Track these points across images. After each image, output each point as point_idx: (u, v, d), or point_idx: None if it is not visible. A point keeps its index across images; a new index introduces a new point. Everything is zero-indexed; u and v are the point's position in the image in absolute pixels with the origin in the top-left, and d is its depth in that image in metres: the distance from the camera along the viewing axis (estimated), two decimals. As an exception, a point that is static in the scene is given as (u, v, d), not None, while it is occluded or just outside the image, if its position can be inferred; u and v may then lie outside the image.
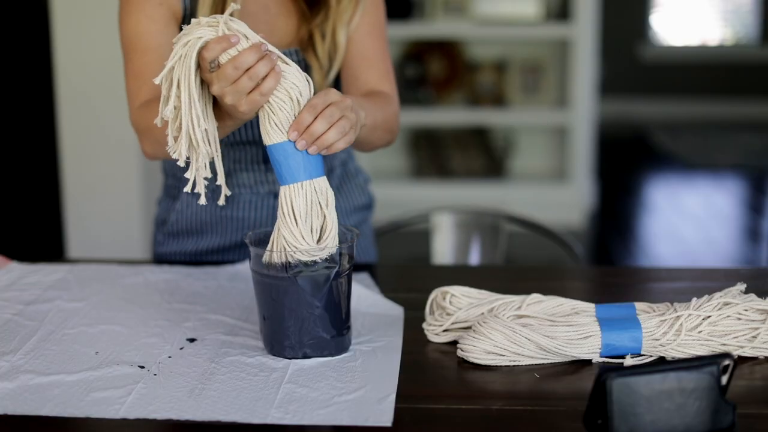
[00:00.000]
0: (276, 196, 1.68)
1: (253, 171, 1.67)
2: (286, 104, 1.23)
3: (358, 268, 1.57)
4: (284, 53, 1.60)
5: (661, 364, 1.02)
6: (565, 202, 4.97)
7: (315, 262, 1.23)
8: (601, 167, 5.82)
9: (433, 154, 5.14)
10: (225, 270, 1.59)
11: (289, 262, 1.22)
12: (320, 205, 1.25)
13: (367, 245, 1.83)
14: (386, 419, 1.09)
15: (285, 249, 1.23)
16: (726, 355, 1.04)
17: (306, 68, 1.62)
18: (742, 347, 1.24)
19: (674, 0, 7.94)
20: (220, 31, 1.20)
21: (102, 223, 3.17)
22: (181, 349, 1.29)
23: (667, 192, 5.86)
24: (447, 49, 5.14)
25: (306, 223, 1.23)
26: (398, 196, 4.74)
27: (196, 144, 1.23)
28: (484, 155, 5.12)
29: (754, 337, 1.25)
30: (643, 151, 6.85)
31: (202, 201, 1.27)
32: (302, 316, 1.24)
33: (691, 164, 6.31)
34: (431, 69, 5.13)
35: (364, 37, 1.62)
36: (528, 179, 5.11)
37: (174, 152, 1.25)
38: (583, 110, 4.93)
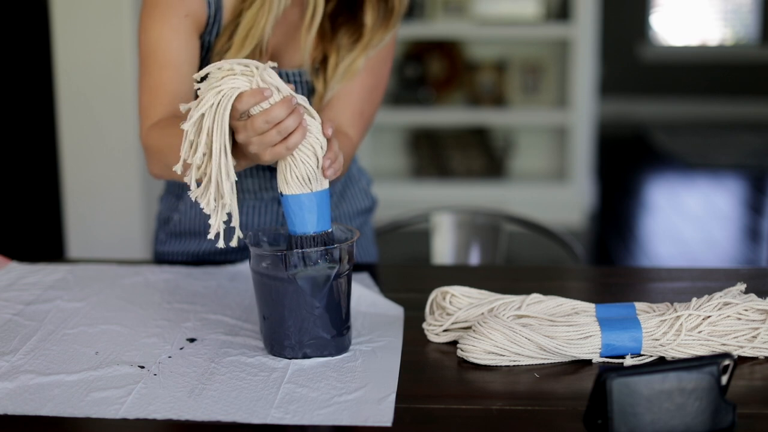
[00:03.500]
0: (280, 202, 1.68)
1: (258, 177, 1.66)
2: (309, 158, 1.23)
3: (358, 268, 1.57)
4: (291, 74, 1.59)
5: (661, 364, 1.02)
6: (565, 202, 4.97)
7: (315, 262, 1.23)
8: (601, 167, 5.82)
9: (433, 154, 5.14)
10: (225, 270, 1.60)
11: (290, 261, 1.22)
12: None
13: (367, 245, 1.83)
14: (386, 419, 1.09)
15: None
16: (726, 355, 1.04)
17: (311, 91, 1.61)
18: (742, 347, 1.24)
19: (674, 0, 7.94)
20: (255, 83, 1.19)
21: (102, 223, 3.17)
22: (181, 349, 1.29)
23: (667, 192, 5.86)
24: (447, 49, 5.14)
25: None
26: (398, 196, 4.74)
27: (223, 194, 1.22)
28: (484, 155, 5.12)
29: (754, 337, 1.25)
30: (643, 151, 6.85)
31: (221, 244, 1.24)
32: (302, 316, 1.24)
33: (691, 164, 6.31)
34: (431, 69, 5.13)
35: (360, 71, 1.59)
36: (528, 179, 5.11)
37: (199, 198, 1.23)
38: (583, 110, 4.94)
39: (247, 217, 1.68)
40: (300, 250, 1.23)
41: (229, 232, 1.28)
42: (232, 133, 1.23)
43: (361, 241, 1.78)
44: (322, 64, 1.59)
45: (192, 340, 1.32)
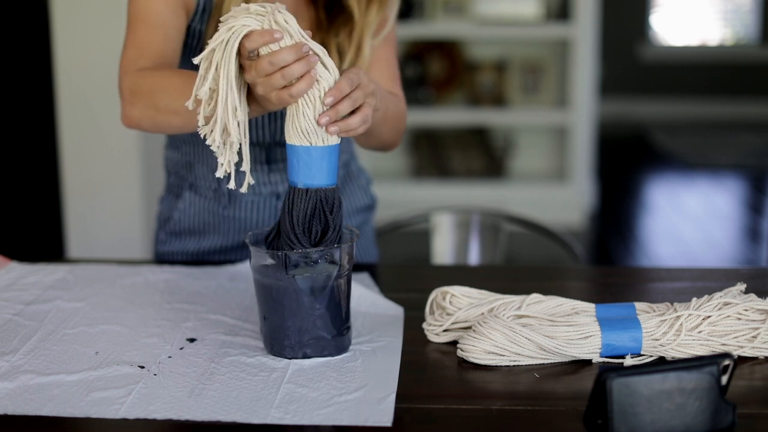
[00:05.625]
0: (278, 197, 1.68)
1: (256, 172, 1.67)
2: (310, 112, 1.22)
3: (358, 268, 1.57)
4: None
5: (661, 364, 1.02)
6: (565, 202, 4.97)
7: (315, 262, 1.23)
8: (601, 167, 5.82)
9: (433, 154, 5.14)
10: (225, 270, 1.59)
11: (290, 261, 1.22)
12: (324, 212, 1.25)
13: (367, 245, 1.82)
14: (386, 419, 1.09)
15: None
16: (726, 355, 1.04)
17: None
18: (742, 347, 1.24)
19: (674, 0, 7.94)
20: (266, 24, 1.20)
21: (102, 223, 3.17)
22: (181, 349, 1.29)
23: (667, 192, 5.86)
24: (447, 49, 5.14)
25: (306, 228, 1.24)
26: (398, 196, 4.74)
27: (230, 132, 1.23)
28: (484, 155, 5.12)
29: (754, 337, 1.25)
30: (643, 151, 6.85)
31: (231, 185, 1.25)
32: (302, 316, 1.24)
33: (691, 164, 6.31)
34: (431, 69, 5.13)
35: (379, 46, 1.60)
36: (528, 179, 5.11)
37: (205, 135, 1.24)
38: (583, 110, 4.94)
39: (245, 213, 1.68)
40: (298, 250, 1.23)
41: (239, 178, 1.27)
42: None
43: (361, 241, 1.78)
44: None
45: (192, 340, 1.32)
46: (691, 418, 1.02)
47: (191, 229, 1.72)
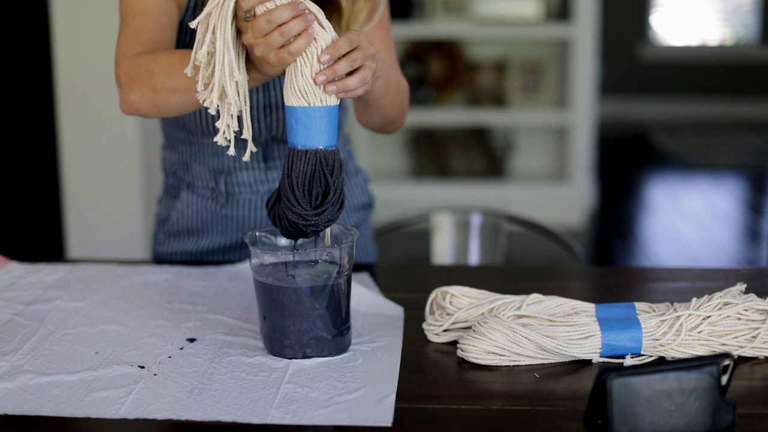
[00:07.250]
0: None
1: (253, 170, 1.67)
2: (307, 71, 1.21)
3: (358, 268, 1.57)
4: None
5: (661, 364, 1.02)
6: (565, 202, 4.97)
7: (315, 262, 1.23)
8: (601, 167, 5.82)
9: (433, 154, 5.14)
10: (225, 270, 1.59)
11: (290, 263, 1.22)
12: (324, 174, 1.23)
13: (367, 245, 1.83)
14: (386, 419, 1.09)
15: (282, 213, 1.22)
16: (726, 355, 1.04)
17: None
18: (742, 347, 1.24)
19: (674, 0, 7.94)
20: None
21: (102, 223, 3.17)
22: (181, 349, 1.29)
23: (667, 192, 5.86)
24: (447, 49, 5.14)
25: (306, 190, 1.23)
26: (398, 196, 4.74)
27: (227, 93, 1.22)
28: (484, 155, 5.12)
29: (754, 337, 1.25)
30: (643, 151, 6.85)
31: (231, 152, 1.25)
32: (302, 316, 1.24)
33: (691, 164, 6.31)
34: (431, 69, 5.13)
35: (373, 30, 1.60)
36: (528, 179, 5.11)
37: (204, 100, 1.24)
38: (583, 110, 4.93)
39: (242, 211, 1.68)
40: (297, 251, 1.23)
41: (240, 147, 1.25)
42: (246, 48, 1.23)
43: (359, 241, 1.78)
44: None
45: (192, 340, 1.32)
46: (691, 418, 1.02)
47: (189, 229, 1.72)
